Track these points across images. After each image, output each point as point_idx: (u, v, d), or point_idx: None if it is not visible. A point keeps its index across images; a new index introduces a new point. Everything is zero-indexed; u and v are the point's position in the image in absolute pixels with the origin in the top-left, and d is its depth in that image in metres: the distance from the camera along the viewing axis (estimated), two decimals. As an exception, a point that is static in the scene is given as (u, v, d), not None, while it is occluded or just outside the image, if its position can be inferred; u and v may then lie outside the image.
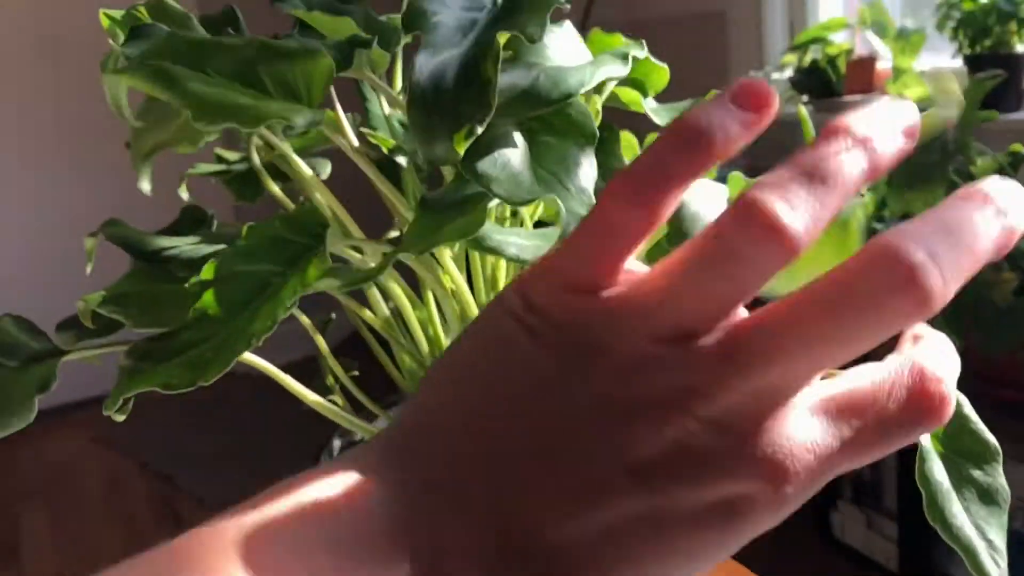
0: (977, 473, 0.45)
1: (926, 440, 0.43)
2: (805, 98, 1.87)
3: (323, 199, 0.51)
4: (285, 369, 0.51)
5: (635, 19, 2.45)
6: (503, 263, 0.52)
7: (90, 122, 2.79)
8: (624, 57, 0.44)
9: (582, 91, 0.39)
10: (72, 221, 2.82)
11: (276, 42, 0.41)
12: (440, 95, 0.37)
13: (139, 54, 0.42)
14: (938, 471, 0.42)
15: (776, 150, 1.59)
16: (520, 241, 0.41)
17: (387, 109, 0.54)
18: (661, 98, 0.65)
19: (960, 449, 0.44)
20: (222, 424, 2.50)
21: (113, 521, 2.13)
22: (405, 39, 0.54)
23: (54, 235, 2.82)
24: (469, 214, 0.37)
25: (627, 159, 0.57)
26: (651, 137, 0.63)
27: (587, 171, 0.39)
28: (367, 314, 0.54)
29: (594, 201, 0.38)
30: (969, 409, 0.45)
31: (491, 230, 0.39)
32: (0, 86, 2.72)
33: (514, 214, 0.55)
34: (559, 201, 0.35)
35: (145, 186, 0.61)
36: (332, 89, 0.49)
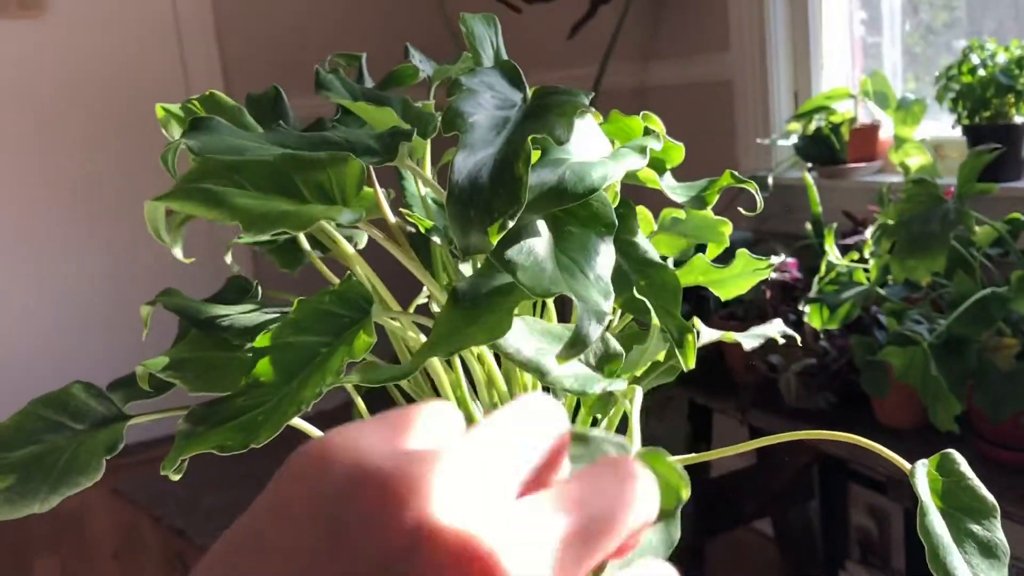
0: (976, 528, 0.48)
1: (926, 495, 0.46)
2: (809, 165, 1.93)
3: (363, 272, 0.55)
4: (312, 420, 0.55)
5: (644, 86, 2.53)
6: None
7: (129, 186, 2.88)
8: (642, 150, 0.48)
9: (605, 186, 0.43)
10: (116, 285, 2.89)
11: (305, 154, 0.45)
12: (476, 192, 0.41)
13: (179, 181, 0.45)
14: (938, 525, 0.46)
15: (784, 214, 1.65)
16: (521, 338, 0.44)
17: (423, 190, 0.58)
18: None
19: (959, 505, 0.47)
20: (236, 478, 2.52)
21: (124, 575, 2.14)
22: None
23: (86, 295, 2.88)
24: (499, 312, 0.41)
25: (643, 232, 0.61)
26: (668, 212, 0.68)
27: (605, 259, 0.43)
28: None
29: (610, 288, 0.42)
30: (965, 467, 0.49)
31: (511, 335, 0.42)
32: (48, 152, 2.80)
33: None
34: (575, 297, 0.39)
35: (178, 254, 0.65)
36: (370, 167, 0.53)
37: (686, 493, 0.37)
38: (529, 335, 0.44)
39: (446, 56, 0.70)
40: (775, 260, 0.56)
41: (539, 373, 0.42)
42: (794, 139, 1.95)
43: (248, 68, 3.00)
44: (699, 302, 1.76)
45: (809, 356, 1.51)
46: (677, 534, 0.37)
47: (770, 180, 1.89)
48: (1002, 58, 1.60)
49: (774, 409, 1.57)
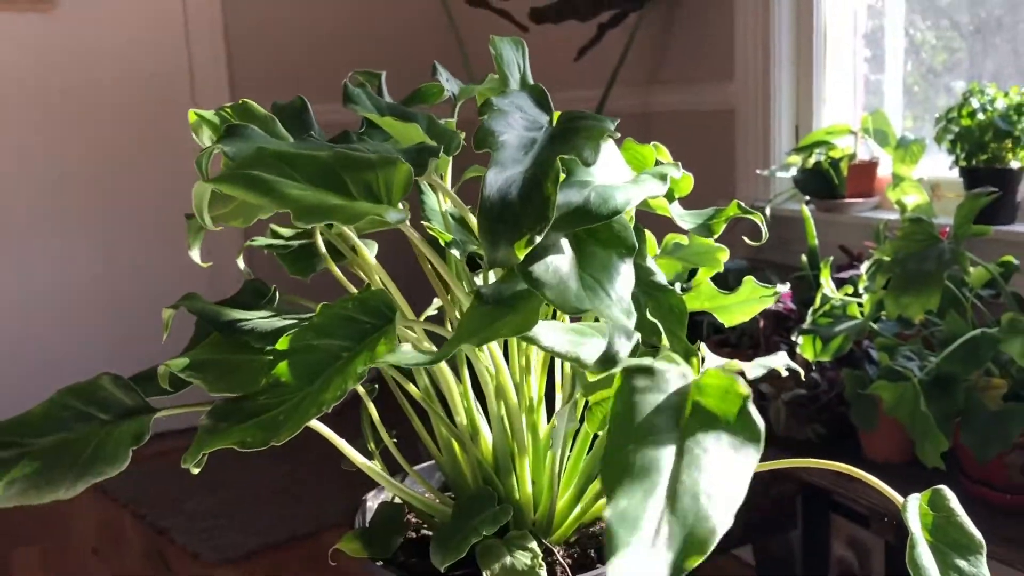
0: (963, 563, 0.49)
1: (916, 528, 0.48)
2: (807, 198, 1.95)
3: (382, 282, 0.56)
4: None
5: (648, 111, 2.55)
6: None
7: (150, 190, 2.89)
8: (663, 177, 0.50)
9: (627, 209, 0.45)
10: (138, 280, 2.90)
11: (357, 153, 0.47)
12: (506, 208, 0.43)
13: (231, 166, 0.47)
14: (926, 557, 0.47)
15: (779, 245, 1.68)
16: (554, 334, 0.47)
17: (444, 205, 0.60)
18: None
19: (947, 540, 0.49)
20: (222, 481, 2.52)
21: (105, 572, 2.13)
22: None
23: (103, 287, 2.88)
24: (522, 312, 0.43)
25: (651, 256, 0.63)
26: (672, 237, 0.69)
27: (626, 280, 0.45)
28: (410, 386, 0.59)
29: (632, 308, 0.44)
30: (955, 503, 0.50)
31: (544, 335, 0.45)
32: (78, 154, 2.82)
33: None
34: (603, 313, 0.41)
35: (195, 256, 0.67)
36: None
37: (746, 391, 0.39)
38: (560, 332, 0.45)
39: (454, 72, 0.72)
40: (780, 289, 0.58)
41: (577, 362, 0.44)
42: (793, 172, 1.98)
43: (254, 69, 3.02)
44: (692, 328, 1.78)
45: (799, 387, 1.52)
46: (761, 424, 0.39)
47: (768, 211, 1.92)
48: (1001, 103, 1.63)
49: (763, 437, 1.58)
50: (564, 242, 0.47)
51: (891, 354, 1.32)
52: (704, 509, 0.35)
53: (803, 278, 1.70)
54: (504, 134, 0.47)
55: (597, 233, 0.46)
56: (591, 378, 0.45)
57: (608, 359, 0.40)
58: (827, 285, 1.43)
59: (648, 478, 0.36)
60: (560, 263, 0.45)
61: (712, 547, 0.36)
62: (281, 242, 0.72)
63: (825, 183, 1.92)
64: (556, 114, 0.53)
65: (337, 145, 0.53)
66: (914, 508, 0.49)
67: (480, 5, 2.65)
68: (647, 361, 0.41)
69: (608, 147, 0.53)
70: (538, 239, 0.43)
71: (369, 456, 0.61)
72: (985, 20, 1.91)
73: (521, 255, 0.43)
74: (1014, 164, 1.63)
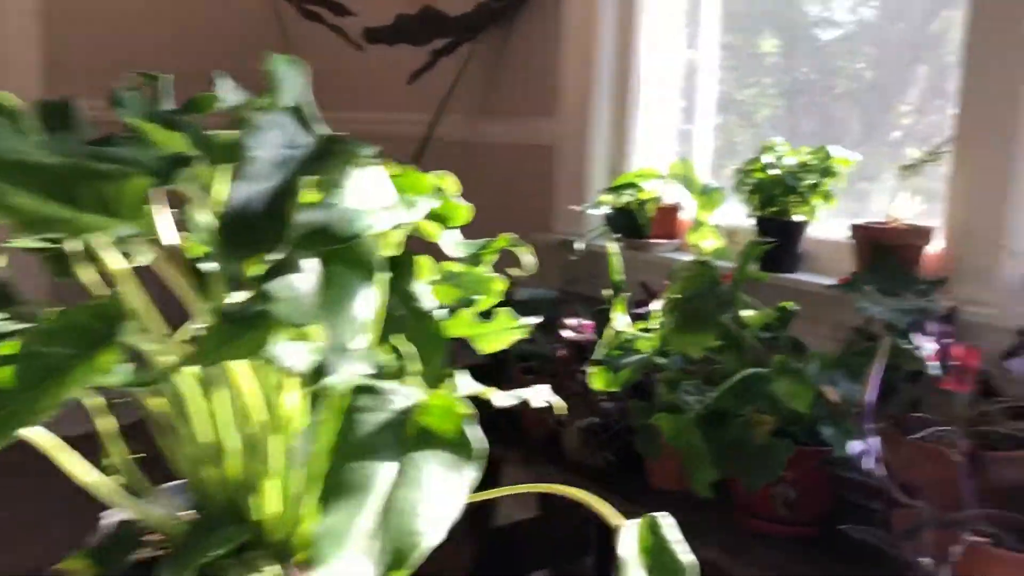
0: (671, 588, 0.53)
1: (627, 552, 0.51)
2: (618, 235, 2.04)
3: (132, 291, 0.55)
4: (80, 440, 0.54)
5: (474, 140, 2.60)
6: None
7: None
8: (412, 204, 0.51)
9: (369, 233, 0.46)
10: None
11: (91, 165, 0.46)
12: (244, 222, 0.43)
13: None
14: (635, 578, 0.50)
15: (591, 279, 1.75)
16: (297, 354, 0.47)
17: (206, 218, 0.59)
18: (481, 221, 0.74)
19: (658, 565, 0.52)
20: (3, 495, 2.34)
21: None
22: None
23: None
24: (259, 330, 0.43)
25: (423, 279, 0.64)
26: (447, 265, 0.71)
27: (363, 301, 0.46)
28: (153, 401, 0.58)
29: (363, 327, 0.45)
30: (670, 530, 0.54)
31: (284, 352, 0.45)
32: None
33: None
34: (327, 333, 0.42)
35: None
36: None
37: (465, 410, 0.41)
38: (302, 351, 0.46)
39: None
40: (528, 321, 0.61)
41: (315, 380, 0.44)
42: (606, 210, 2.06)
43: (73, 56, 2.86)
44: (504, 354, 1.82)
45: (594, 415, 1.58)
46: (483, 443, 0.40)
47: (579, 245, 1.99)
48: (790, 161, 1.76)
49: (557, 462, 1.63)
50: (310, 261, 0.47)
51: (674, 387, 1.39)
52: (412, 525, 0.37)
53: (605, 311, 1.77)
54: (256, 150, 0.47)
55: (342, 254, 0.47)
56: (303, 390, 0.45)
57: (317, 372, 0.41)
58: (617, 319, 1.50)
59: (358, 495, 0.37)
60: (299, 281, 0.45)
61: (417, 561, 0.37)
62: (41, 244, 0.69)
63: (633, 223, 2.02)
64: (322, 136, 0.53)
65: (86, 149, 0.51)
66: (632, 533, 0.52)
67: (314, 19, 2.63)
68: (372, 381, 0.42)
69: (368, 172, 0.54)
70: (279, 256, 0.43)
71: (108, 473, 0.59)
72: (802, 82, 2.06)
73: (259, 270, 0.43)
74: (798, 217, 1.77)
